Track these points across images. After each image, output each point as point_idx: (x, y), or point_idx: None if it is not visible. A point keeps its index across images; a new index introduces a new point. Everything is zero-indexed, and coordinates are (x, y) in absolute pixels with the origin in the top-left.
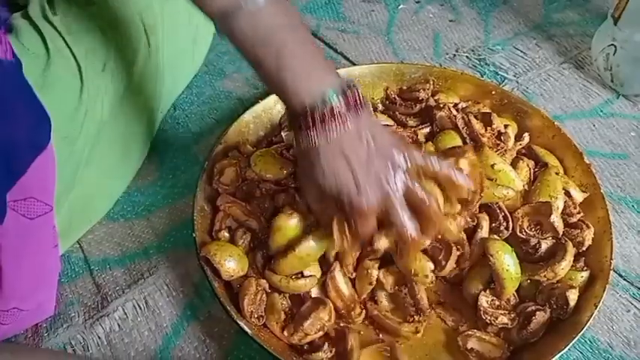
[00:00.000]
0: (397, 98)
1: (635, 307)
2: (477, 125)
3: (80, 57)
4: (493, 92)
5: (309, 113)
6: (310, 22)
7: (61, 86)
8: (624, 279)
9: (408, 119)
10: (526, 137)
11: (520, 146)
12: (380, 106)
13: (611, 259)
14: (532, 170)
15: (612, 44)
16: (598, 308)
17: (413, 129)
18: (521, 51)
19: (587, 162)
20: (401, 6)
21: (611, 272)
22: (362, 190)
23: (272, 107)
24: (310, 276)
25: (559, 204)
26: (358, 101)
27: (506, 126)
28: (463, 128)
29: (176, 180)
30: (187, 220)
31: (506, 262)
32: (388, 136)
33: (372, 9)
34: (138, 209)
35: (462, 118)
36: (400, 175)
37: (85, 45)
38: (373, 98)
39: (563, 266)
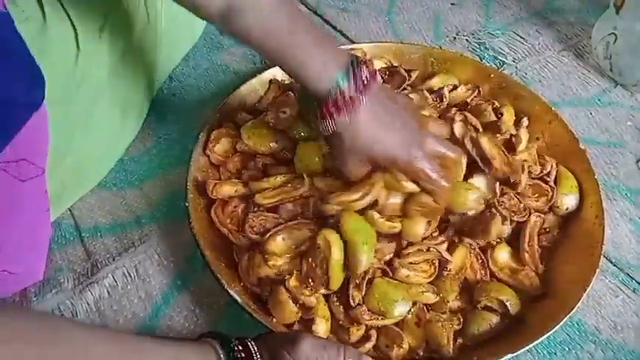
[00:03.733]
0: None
1: (624, 292)
2: (487, 144)
3: (77, 21)
4: (492, 75)
5: (326, 101)
6: (308, 1)
7: (57, 50)
8: (614, 265)
9: None
10: (524, 121)
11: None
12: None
13: (602, 244)
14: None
15: (613, 33)
16: (587, 292)
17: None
18: (521, 37)
19: (582, 147)
20: None
21: (602, 258)
22: (409, 152)
23: (268, 82)
24: None
25: None
26: (367, 78)
27: (517, 128)
28: (472, 150)
29: (170, 150)
30: (180, 190)
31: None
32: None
33: None
34: (131, 178)
35: (471, 138)
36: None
37: (81, 9)
38: None
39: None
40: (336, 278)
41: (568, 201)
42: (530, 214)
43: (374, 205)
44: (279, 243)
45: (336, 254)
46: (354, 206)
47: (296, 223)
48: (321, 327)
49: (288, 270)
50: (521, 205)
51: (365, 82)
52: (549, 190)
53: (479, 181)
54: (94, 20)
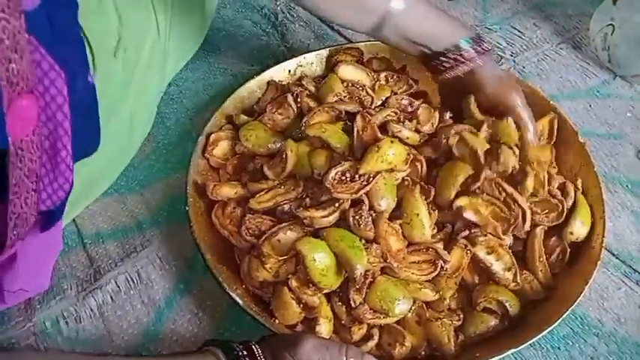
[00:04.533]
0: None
1: (626, 284)
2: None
3: (93, 42)
4: None
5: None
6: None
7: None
8: (616, 257)
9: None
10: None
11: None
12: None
13: (603, 237)
14: None
15: (611, 24)
16: (589, 285)
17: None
18: (519, 30)
19: (582, 141)
20: None
21: (603, 250)
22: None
23: (266, 84)
24: None
25: None
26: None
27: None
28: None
29: (170, 155)
30: (181, 194)
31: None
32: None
33: None
34: (132, 184)
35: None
36: None
37: (98, 30)
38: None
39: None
40: (326, 283)
41: (581, 230)
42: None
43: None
44: (274, 245)
45: (320, 263)
46: (321, 222)
47: (291, 223)
48: (324, 327)
49: (286, 271)
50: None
51: (484, 46)
52: (559, 203)
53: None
54: (108, 40)
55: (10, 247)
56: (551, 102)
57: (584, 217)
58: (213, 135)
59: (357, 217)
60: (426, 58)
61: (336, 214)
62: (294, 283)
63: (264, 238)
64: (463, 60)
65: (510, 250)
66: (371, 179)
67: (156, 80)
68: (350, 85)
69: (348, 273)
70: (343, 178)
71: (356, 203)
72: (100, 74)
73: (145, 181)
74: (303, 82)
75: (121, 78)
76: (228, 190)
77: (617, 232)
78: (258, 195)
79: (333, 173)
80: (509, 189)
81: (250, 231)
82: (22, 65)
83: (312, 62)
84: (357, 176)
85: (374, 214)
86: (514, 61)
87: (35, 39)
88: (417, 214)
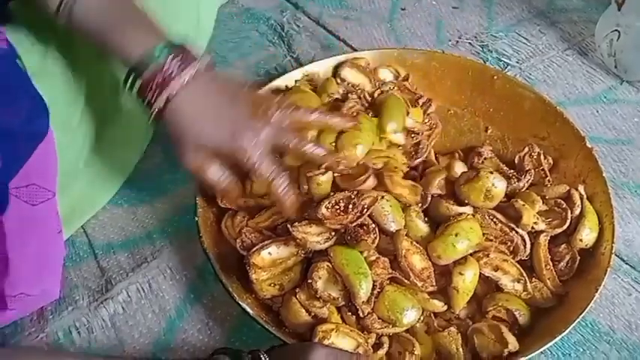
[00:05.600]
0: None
1: (637, 290)
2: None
3: (78, 44)
4: (495, 77)
5: (146, 74)
6: (313, 10)
7: (60, 73)
8: (626, 263)
9: None
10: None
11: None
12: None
13: (613, 242)
14: None
15: (616, 30)
16: (599, 292)
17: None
18: (525, 37)
19: (589, 146)
20: None
21: (613, 256)
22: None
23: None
24: None
25: None
26: (192, 59)
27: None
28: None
29: (179, 166)
30: (190, 205)
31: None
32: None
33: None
34: (141, 195)
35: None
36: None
37: None
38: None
39: None
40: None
41: (590, 236)
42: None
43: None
44: (264, 257)
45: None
46: (314, 246)
47: (285, 238)
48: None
49: (292, 283)
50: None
51: (189, 62)
52: (562, 212)
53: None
54: None
55: None
56: (557, 108)
57: (592, 224)
58: None
59: (363, 237)
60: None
61: (331, 241)
62: (302, 297)
63: (253, 250)
64: (157, 86)
65: (517, 259)
66: (365, 210)
67: None
68: (349, 86)
69: (352, 297)
70: (337, 207)
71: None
72: (86, 77)
73: (154, 192)
74: (299, 84)
75: (109, 80)
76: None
77: (627, 238)
78: (257, 214)
79: (324, 206)
80: (503, 219)
81: (244, 244)
82: None
83: (318, 72)
84: (350, 206)
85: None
86: (520, 68)
87: None
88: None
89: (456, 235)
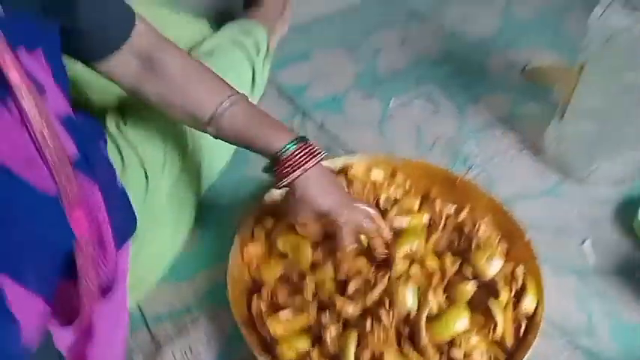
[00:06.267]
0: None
1: (568, 351)
2: None
3: (146, 163)
4: (458, 181)
5: (282, 159)
6: (317, 117)
7: (134, 187)
8: (560, 331)
9: None
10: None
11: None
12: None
13: (542, 318)
14: None
15: (561, 135)
16: (528, 353)
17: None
18: (489, 139)
19: (527, 240)
20: (392, 101)
21: (546, 324)
22: (345, 208)
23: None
24: None
25: None
26: (312, 149)
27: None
28: None
29: (212, 249)
30: (223, 281)
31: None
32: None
33: (368, 104)
34: (182, 273)
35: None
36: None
37: (148, 152)
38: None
39: None
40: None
41: (530, 306)
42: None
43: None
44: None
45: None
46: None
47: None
48: None
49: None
50: None
51: (312, 152)
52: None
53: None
54: (157, 160)
55: (87, 317)
56: (502, 206)
57: (533, 295)
58: (245, 234)
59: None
60: (271, 164)
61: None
62: (314, 356)
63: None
64: (290, 167)
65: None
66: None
67: (194, 187)
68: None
69: None
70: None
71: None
72: (151, 188)
73: (193, 270)
74: None
75: (165, 190)
76: (268, 273)
77: (563, 310)
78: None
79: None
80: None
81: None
82: (71, 187)
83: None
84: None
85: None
86: (484, 167)
87: (79, 171)
88: None
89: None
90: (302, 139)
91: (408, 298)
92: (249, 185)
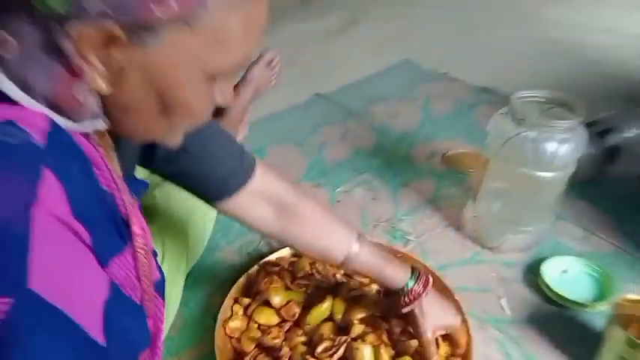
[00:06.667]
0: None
1: None
2: None
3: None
4: (399, 255)
5: (407, 292)
6: None
7: None
8: None
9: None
10: None
11: None
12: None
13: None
14: None
15: (475, 215)
16: None
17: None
18: (420, 218)
19: (456, 298)
20: (338, 189)
21: None
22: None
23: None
24: None
25: None
26: (425, 281)
27: None
28: None
29: (195, 329)
30: (208, 356)
31: None
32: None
33: (318, 192)
34: (168, 353)
35: None
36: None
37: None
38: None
39: None
40: None
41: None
42: None
43: None
44: None
45: None
46: None
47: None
48: None
49: None
50: None
51: (425, 284)
52: None
53: None
54: (158, 251)
55: None
56: (435, 272)
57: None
58: (226, 313)
59: None
60: (388, 292)
61: None
62: None
63: None
64: (412, 298)
65: None
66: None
67: (181, 274)
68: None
69: None
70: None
71: None
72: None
73: (178, 350)
74: (281, 263)
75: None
76: (248, 343)
77: (486, 353)
78: None
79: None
80: None
81: None
82: (150, 305)
83: (284, 254)
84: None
85: None
86: (418, 242)
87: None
88: None
89: None
90: (417, 275)
91: (366, 355)
92: (223, 268)
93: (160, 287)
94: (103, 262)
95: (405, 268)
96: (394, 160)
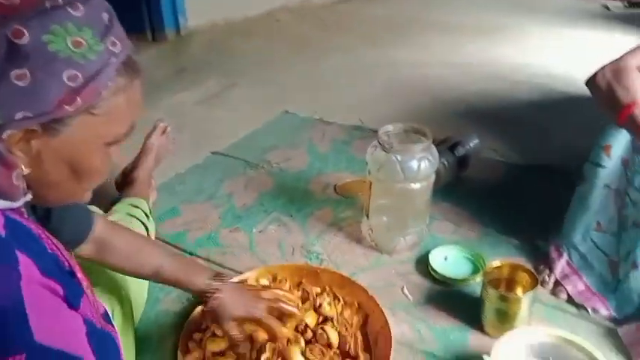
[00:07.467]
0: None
1: None
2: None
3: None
4: (319, 271)
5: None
6: (202, 253)
7: None
8: (402, 346)
9: None
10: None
11: None
12: None
13: (391, 341)
14: None
15: (370, 226)
16: None
17: None
18: (328, 240)
19: (370, 295)
20: (254, 230)
21: (393, 343)
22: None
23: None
24: None
25: None
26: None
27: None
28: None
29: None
30: None
31: None
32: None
33: (236, 235)
34: None
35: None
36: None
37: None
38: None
39: None
40: None
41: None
42: None
43: None
44: None
45: None
46: None
47: None
48: None
49: None
50: None
51: (222, 279)
52: None
53: None
54: (109, 308)
55: None
56: (350, 278)
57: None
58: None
59: None
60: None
61: None
62: None
63: None
64: (212, 292)
65: None
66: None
67: (131, 326)
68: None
69: None
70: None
71: None
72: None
73: None
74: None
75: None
76: None
77: (401, 332)
78: None
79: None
80: None
81: None
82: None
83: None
84: None
85: None
86: (329, 259)
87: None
88: None
89: None
90: (215, 275)
91: (298, 356)
92: (167, 316)
93: (107, 318)
94: (75, 305)
95: (207, 272)
96: (295, 197)
